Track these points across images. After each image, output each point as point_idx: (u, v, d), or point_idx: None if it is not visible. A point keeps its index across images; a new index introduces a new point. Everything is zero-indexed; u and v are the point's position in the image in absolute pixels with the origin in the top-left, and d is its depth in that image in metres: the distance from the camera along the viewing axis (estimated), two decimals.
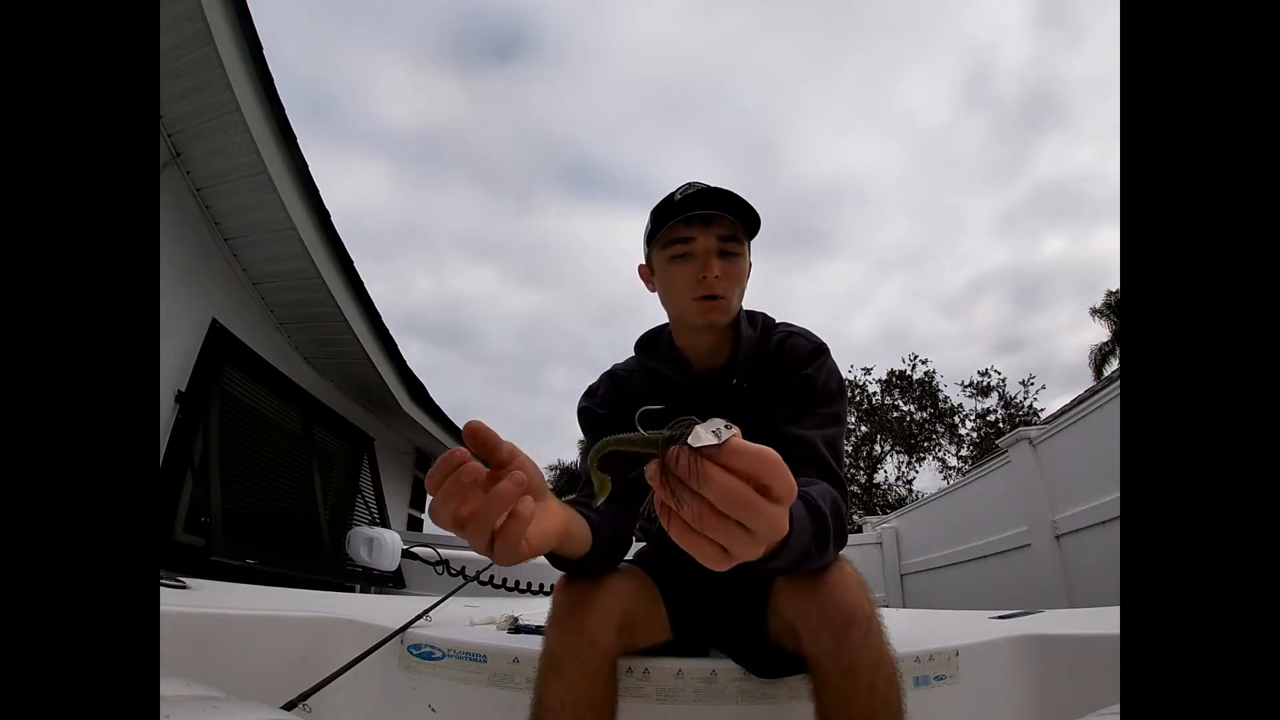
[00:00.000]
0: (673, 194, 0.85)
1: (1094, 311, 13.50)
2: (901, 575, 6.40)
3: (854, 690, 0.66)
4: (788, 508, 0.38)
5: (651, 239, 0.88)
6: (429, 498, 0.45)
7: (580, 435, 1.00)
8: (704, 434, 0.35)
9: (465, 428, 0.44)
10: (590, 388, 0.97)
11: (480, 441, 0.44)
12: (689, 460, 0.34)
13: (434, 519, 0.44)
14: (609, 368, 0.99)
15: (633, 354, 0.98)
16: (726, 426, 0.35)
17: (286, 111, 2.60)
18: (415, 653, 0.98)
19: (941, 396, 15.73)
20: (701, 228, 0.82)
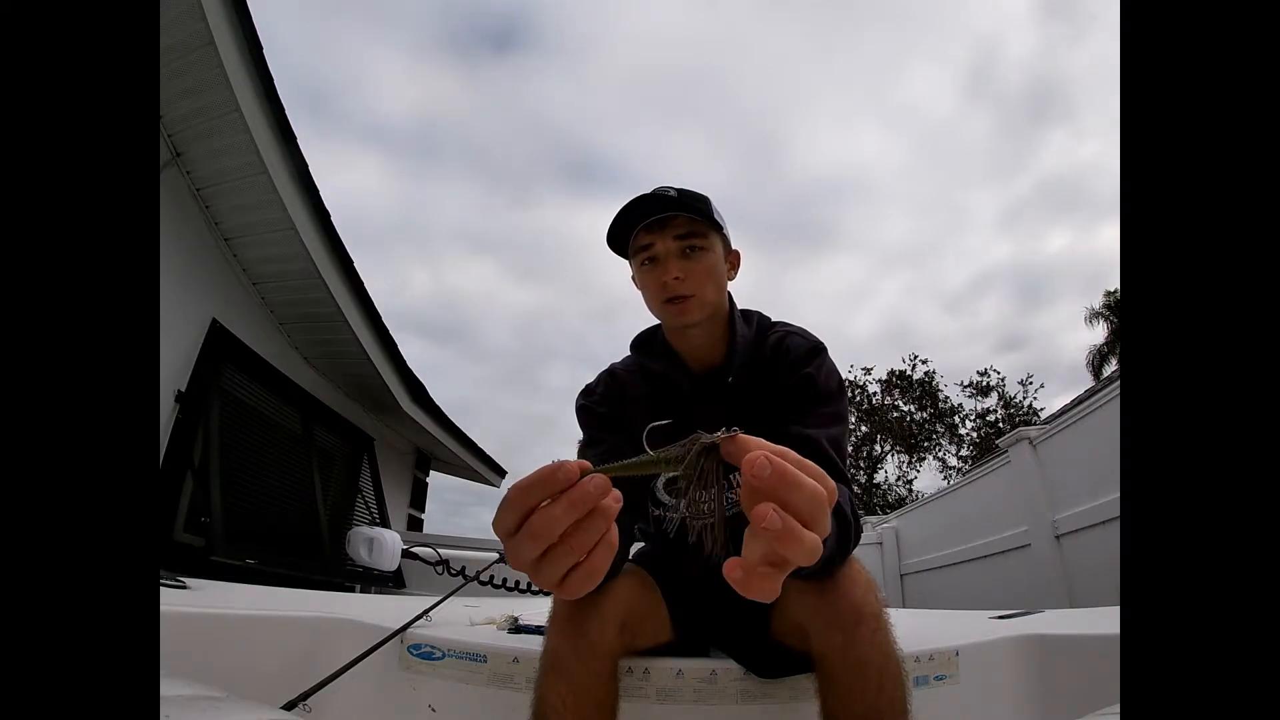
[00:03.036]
0: (621, 210, 0.86)
1: (1093, 314, 13.52)
2: (901, 575, 6.40)
3: (861, 687, 0.66)
4: (826, 489, 0.33)
5: (623, 253, 0.90)
6: (505, 533, 0.33)
7: (578, 434, 1.00)
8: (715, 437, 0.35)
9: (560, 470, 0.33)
10: (588, 386, 0.97)
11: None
12: (717, 459, 0.34)
13: (517, 557, 0.34)
14: (607, 366, 0.99)
15: (629, 353, 0.98)
16: (728, 429, 0.35)
17: (286, 111, 2.60)
18: (415, 653, 0.98)
19: (941, 396, 15.74)
20: (658, 232, 0.84)
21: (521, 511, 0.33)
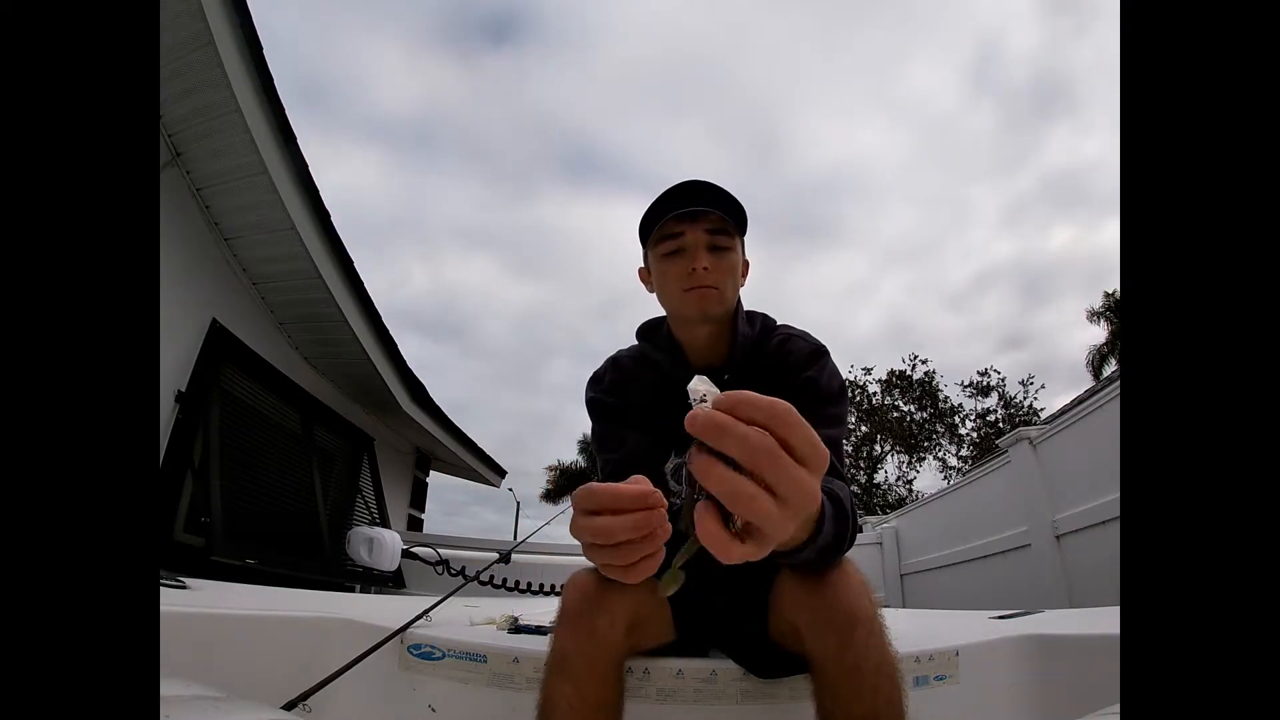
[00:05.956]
0: (660, 195, 0.86)
1: (1092, 314, 13.55)
2: (901, 575, 6.39)
3: (857, 691, 0.66)
4: (816, 475, 0.35)
5: (645, 240, 0.90)
6: (580, 515, 0.40)
7: (579, 431, 1.00)
8: (700, 387, 0.36)
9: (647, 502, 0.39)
10: (596, 375, 0.98)
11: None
12: (705, 418, 0.33)
13: (589, 533, 0.39)
14: (613, 353, 0.99)
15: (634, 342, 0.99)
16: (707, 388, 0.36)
17: (286, 110, 2.60)
18: (415, 653, 0.98)
19: (941, 396, 15.75)
20: (690, 223, 0.84)
21: (599, 509, 0.39)
